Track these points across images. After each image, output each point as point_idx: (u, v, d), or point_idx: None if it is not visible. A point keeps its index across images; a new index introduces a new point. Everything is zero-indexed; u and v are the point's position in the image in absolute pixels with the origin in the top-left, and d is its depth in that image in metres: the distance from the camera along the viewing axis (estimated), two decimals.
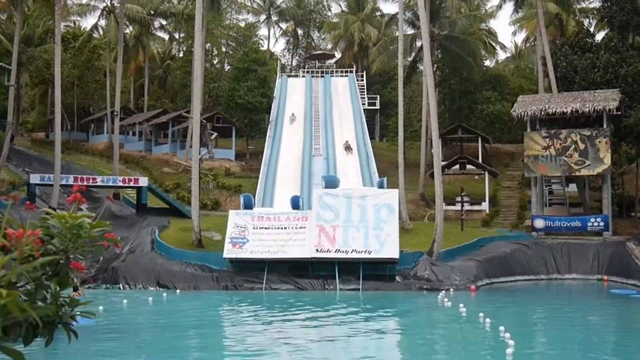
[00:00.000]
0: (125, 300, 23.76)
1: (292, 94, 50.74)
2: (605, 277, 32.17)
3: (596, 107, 36.03)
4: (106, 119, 56.23)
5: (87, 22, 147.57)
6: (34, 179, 36.65)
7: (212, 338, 18.62)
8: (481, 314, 20.09)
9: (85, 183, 35.45)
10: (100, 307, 20.52)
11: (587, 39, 44.13)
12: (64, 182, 35.51)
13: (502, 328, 17.11)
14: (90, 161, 52.98)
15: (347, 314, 22.26)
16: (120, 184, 37.79)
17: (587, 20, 58.22)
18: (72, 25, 69.79)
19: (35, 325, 2.50)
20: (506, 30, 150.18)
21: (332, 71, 58.63)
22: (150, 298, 24.89)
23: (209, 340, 18.29)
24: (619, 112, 36.53)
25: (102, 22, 61.72)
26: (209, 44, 64.15)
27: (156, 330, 19.62)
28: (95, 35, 63.40)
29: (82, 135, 61.74)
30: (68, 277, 2.78)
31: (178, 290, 27.63)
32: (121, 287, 28.43)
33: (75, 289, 20.00)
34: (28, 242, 2.26)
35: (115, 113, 48.25)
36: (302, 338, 17.96)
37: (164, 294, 26.41)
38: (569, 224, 36.36)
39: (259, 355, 15.78)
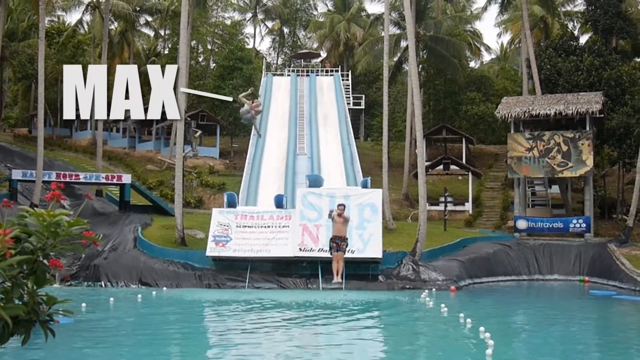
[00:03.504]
0: (111, 299, 23.55)
1: (277, 92, 50.69)
2: (587, 278, 32.44)
3: (579, 110, 36.31)
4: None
5: (72, 18, 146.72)
6: (16, 174, 36.34)
7: (197, 335, 18.57)
8: (462, 315, 20.17)
9: (67, 179, 35.25)
10: (83, 304, 20.42)
11: (571, 42, 44.44)
12: (46, 179, 35.21)
13: (482, 328, 17.19)
14: (73, 157, 52.60)
15: (328, 313, 22.27)
16: (104, 180, 37.54)
17: (572, 23, 58.62)
18: (56, 20, 69.35)
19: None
20: (491, 32, 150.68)
21: (318, 70, 58.59)
22: (140, 296, 24.73)
23: (196, 338, 18.26)
24: (602, 115, 36.84)
25: (87, 18, 61.30)
26: (194, 41, 63.98)
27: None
28: (80, 30, 62.98)
29: (66, 131, 61.27)
30: (45, 275, 2.77)
31: (165, 288, 27.46)
32: (103, 285, 28.22)
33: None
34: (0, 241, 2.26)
35: None
36: (282, 336, 17.95)
37: (153, 292, 26.22)
38: (551, 225, 36.62)
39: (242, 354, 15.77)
